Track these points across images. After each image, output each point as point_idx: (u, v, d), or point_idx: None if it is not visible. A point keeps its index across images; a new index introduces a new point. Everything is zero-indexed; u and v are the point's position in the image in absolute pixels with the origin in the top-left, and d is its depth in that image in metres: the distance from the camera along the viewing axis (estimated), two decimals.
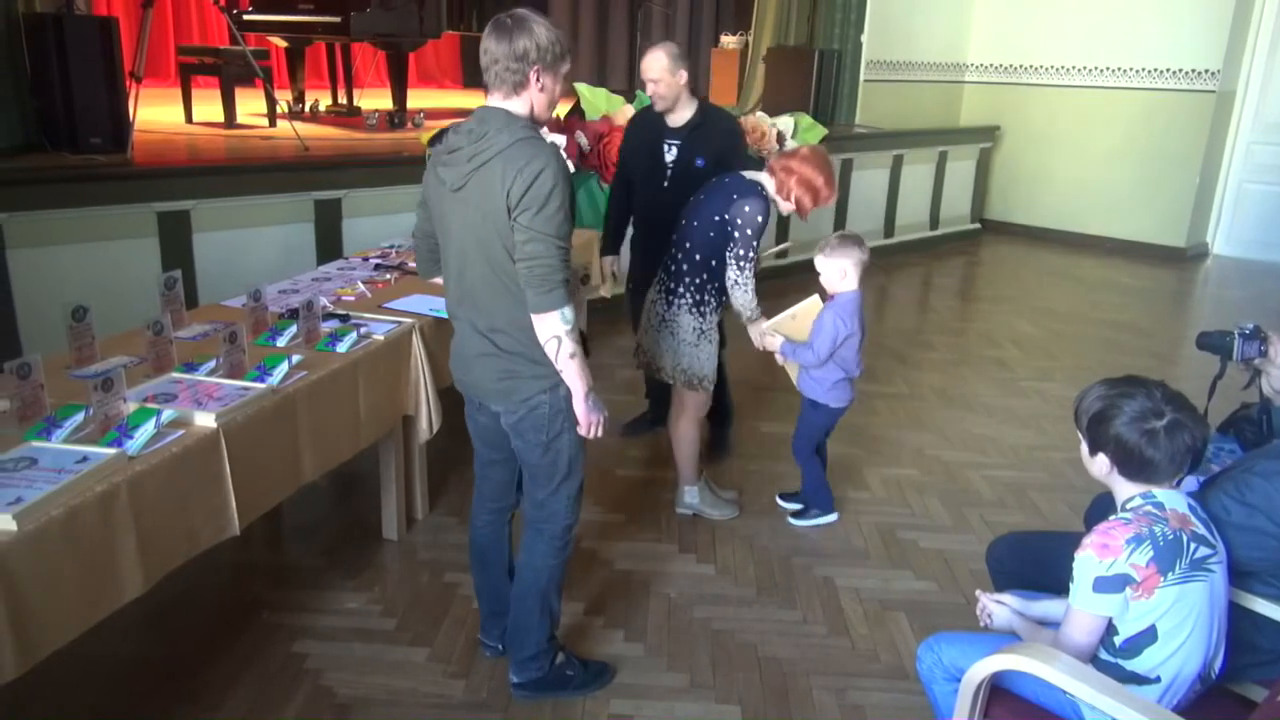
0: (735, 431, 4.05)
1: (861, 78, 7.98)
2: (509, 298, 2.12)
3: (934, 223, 8.34)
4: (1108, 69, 8.27)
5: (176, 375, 2.46)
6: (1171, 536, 1.72)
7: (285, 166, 4.67)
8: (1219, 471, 2.11)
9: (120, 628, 2.35)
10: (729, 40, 8.69)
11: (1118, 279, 7.49)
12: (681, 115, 3.51)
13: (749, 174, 3.11)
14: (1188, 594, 1.72)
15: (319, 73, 8.61)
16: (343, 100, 7.21)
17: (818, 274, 3.17)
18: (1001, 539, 2.50)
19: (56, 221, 3.86)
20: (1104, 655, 1.81)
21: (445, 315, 2.42)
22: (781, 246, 4.55)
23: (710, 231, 3.03)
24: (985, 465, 4.01)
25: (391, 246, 4.03)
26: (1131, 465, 1.79)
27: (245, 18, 6.53)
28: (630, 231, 3.87)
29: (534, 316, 2.08)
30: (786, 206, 3.08)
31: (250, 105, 6.33)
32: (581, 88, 5.81)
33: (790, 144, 6.05)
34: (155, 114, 6.13)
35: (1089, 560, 1.74)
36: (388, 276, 3.55)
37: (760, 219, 2.98)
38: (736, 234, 2.98)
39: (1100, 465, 1.84)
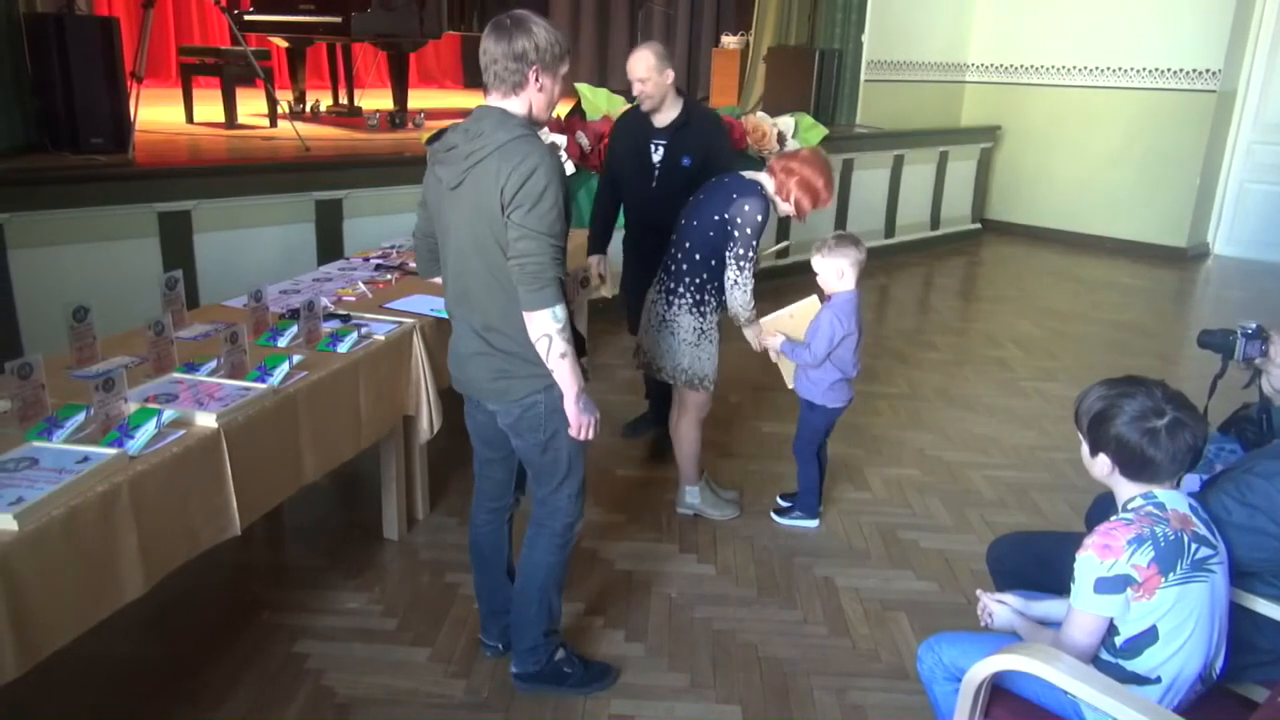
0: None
1: (862, 78, 7.98)
2: (504, 296, 2.12)
3: (935, 223, 8.34)
4: (1109, 69, 8.27)
5: (177, 375, 2.46)
6: (1173, 537, 1.72)
7: (286, 167, 4.67)
8: (1220, 472, 2.11)
9: (121, 628, 2.34)
10: (730, 40, 8.68)
11: (1119, 279, 7.49)
12: (667, 115, 3.50)
13: (748, 174, 3.10)
14: (1189, 594, 1.72)
15: (320, 73, 8.62)
16: (344, 100, 7.21)
17: (815, 274, 3.17)
18: (1002, 539, 2.50)
19: (58, 221, 3.86)
20: (1105, 656, 1.81)
21: (446, 315, 2.42)
22: (781, 246, 4.55)
23: (710, 231, 3.03)
24: (986, 465, 4.01)
25: (392, 247, 4.03)
26: (1133, 465, 1.79)
27: (246, 18, 6.53)
28: (621, 233, 3.88)
29: (525, 314, 2.08)
30: (785, 208, 3.07)
31: (251, 105, 6.33)
32: (582, 88, 5.81)
33: (791, 144, 6.05)
34: (156, 114, 6.13)
35: (1090, 561, 1.74)
36: (388, 277, 3.56)
37: (760, 218, 2.98)
38: (736, 233, 2.98)
39: (1101, 466, 1.84)
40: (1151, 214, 8.16)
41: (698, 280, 3.10)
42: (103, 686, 2.47)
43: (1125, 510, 1.81)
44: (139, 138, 4.59)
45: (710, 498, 3.44)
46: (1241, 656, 1.91)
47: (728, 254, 3.01)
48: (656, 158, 3.54)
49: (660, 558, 3.20)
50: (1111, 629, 1.78)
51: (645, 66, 3.38)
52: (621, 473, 3.79)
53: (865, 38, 7.87)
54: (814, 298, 3.19)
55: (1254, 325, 2.36)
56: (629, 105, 3.82)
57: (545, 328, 2.08)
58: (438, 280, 2.37)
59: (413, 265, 3.56)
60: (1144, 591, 1.71)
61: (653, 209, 3.55)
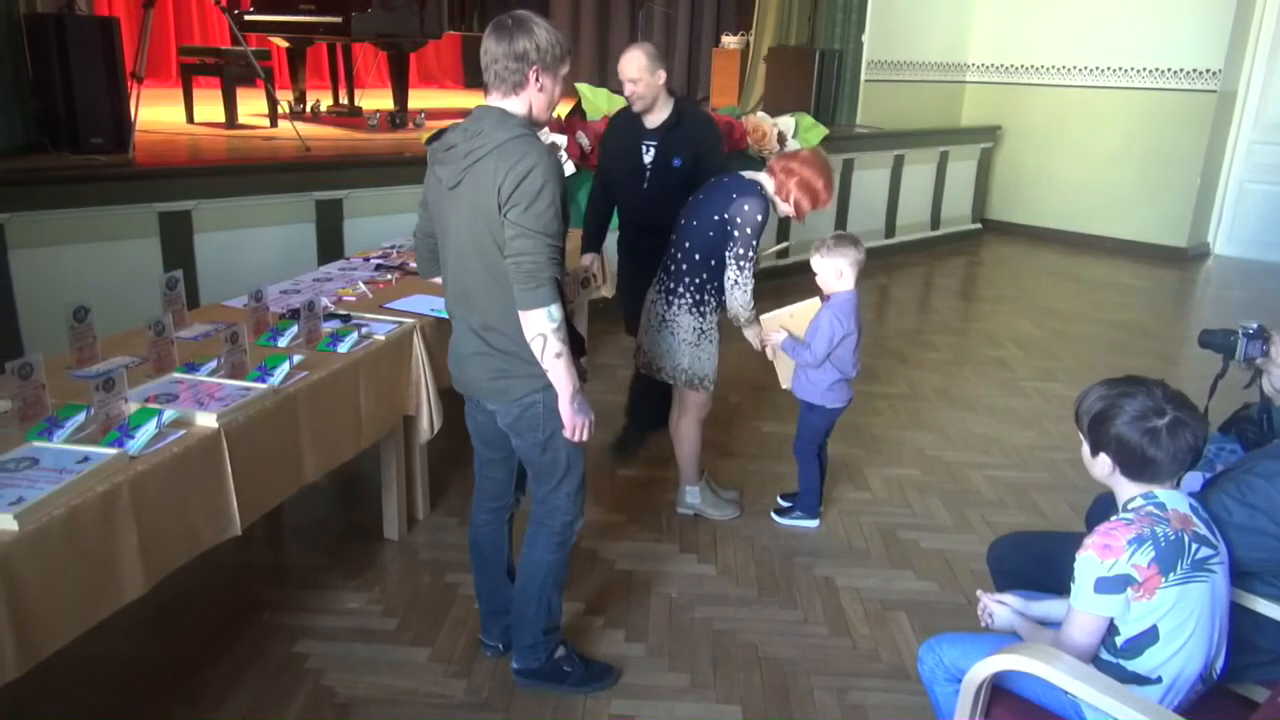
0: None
1: (862, 78, 7.98)
2: (503, 296, 2.12)
3: (935, 223, 8.34)
4: (1109, 69, 8.27)
5: (178, 375, 2.46)
6: (1173, 537, 1.72)
7: (286, 167, 4.67)
8: (1220, 472, 2.11)
9: (121, 628, 2.34)
10: (730, 40, 8.68)
11: (1119, 279, 7.49)
12: (658, 116, 3.49)
13: (748, 174, 3.10)
14: (1189, 594, 1.72)
15: (320, 73, 8.62)
16: (344, 100, 7.21)
17: (815, 274, 3.17)
18: (1003, 539, 2.50)
19: (58, 221, 3.86)
20: (1105, 656, 1.81)
21: (446, 315, 2.42)
22: (781, 246, 4.55)
23: (710, 231, 3.03)
24: (987, 465, 4.01)
25: (392, 247, 4.04)
26: (1133, 465, 1.79)
27: (246, 18, 6.53)
28: (616, 234, 3.88)
29: (520, 313, 2.08)
30: (785, 208, 3.07)
31: (251, 105, 6.33)
32: (583, 88, 5.81)
33: (791, 144, 6.05)
34: (156, 114, 6.14)
35: (1090, 561, 1.74)
36: (389, 277, 3.56)
37: (760, 218, 2.98)
38: (736, 233, 2.98)
39: (1102, 466, 1.84)
40: (1152, 214, 8.16)
41: (697, 280, 3.10)
42: (103, 686, 2.47)
43: (1126, 510, 1.81)
44: (139, 138, 4.59)
45: (710, 498, 3.44)
46: (1242, 656, 1.91)
47: (727, 254, 3.01)
48: (648, 159, 3.53)
49: (660, 558, 3.20)
50: (1112, 629, 1.78)
51: (637, 67, 3.37)
52: (622, 473, 3.78)
53: (865, 38, 7.87)
54: (816, 299, 3.19)
55: (1255, 325, 2.36)
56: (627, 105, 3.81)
57: (540, 327, 2.08)
58: (438, 280, 2.37)
59: (413, 265, 3.56)
60: (1144, 591, 1.71)
61: (645, 209, 3.56)
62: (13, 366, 2.14)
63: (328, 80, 7.74)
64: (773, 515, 3.45)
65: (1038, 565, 2.26)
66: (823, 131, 6.48)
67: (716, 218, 3.01)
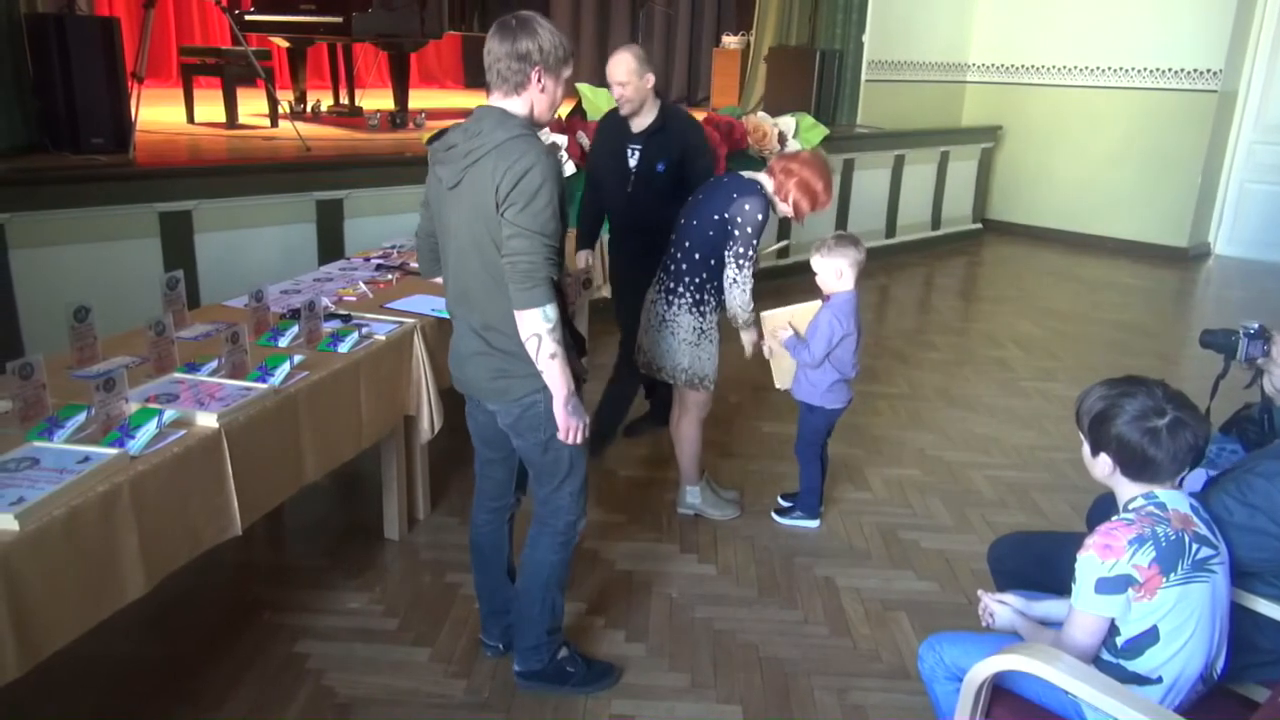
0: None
1: (863, 78, 7.97)
2: (502, 296, 2.11)
3: (936, 223, 8.34)
4: (1109, 69, 8.27)
5: (178, 375, 2.46)
6: (1174, 537, 1.72)
7: (287, 167, 4.67)
8: (1221, 472, 2.11)
9: (121, 628, 2.34)
10: (730, 40, 8.68)
11: (1119, 279, 7.49)
12: (644, 119, 3.48)
13: (748, 174, 3.10)
14: (1190, 595, 1.72)
15: (321, 73, 8.61)
16: (344, 100, 7.21)
17: (814, 274, 3.17)
18: (1003, 539, 2.50)
19: (58, 221, 3.86)
20: (1106, 656, 1.81)
21: (446, 315, 2.42)
22: (780, 245, 4.54)
23: (710, 230, 3.03)
24: (987, 465, 4.01)
25: (393, 247, 4.04)
26: (1134, 465, 1.79)
27: (247, 18, 6.53)
28: (606, 236, 3.89)
29: (516, 313, 2.08)
30: (784, 209, 3.07)
31: (252, 105, 6.33)
32: (583, 88, 5.80)
33: (791, 144, 6.05)
34: (157, 114, 6.13)
35: (1091, 561, 1.74)
36: (389, 277, 3.56)
37: (760, 218, 2.98)
38: (736, 232, 2.98)
39: (1103, 466, 1.84)
40: (1152, 214, 8.16)
41: (697, 280, 3.10)
42: (103, 686, 2.47)
43: (1126, 510, 1.81)
44: (140, 138, 4.59)
45: (711, 498, 3.44)
46: (1242, 657, 1.91)
47: (727, 253, 3.01)
48: (632, 163, 3.53)
49: (661, 558, 3.20)
50: (1112, 629, 1.78)
51: (625, 70, 3.36)
52: (623, 473, 3.79)
53: (866, 38, 7.87)
54: (818, 301, 3.18)
55: (1256, 325, 2.36)
56: None
57: (535, 327, 2.08)
58: (439, 280, 2.37)
59: (413, 265, 3.56)
60: (1145, 592, 1.71)
61: (631, 212, 3.57)
62: (13, 366, 2.14)
63: (328, 80, 7.73)
64: (773, 515, 3.45)
65: (1038, 565, 2.26)
66: (823, 131, 6.48)
67: (717, 217, 3.01)
